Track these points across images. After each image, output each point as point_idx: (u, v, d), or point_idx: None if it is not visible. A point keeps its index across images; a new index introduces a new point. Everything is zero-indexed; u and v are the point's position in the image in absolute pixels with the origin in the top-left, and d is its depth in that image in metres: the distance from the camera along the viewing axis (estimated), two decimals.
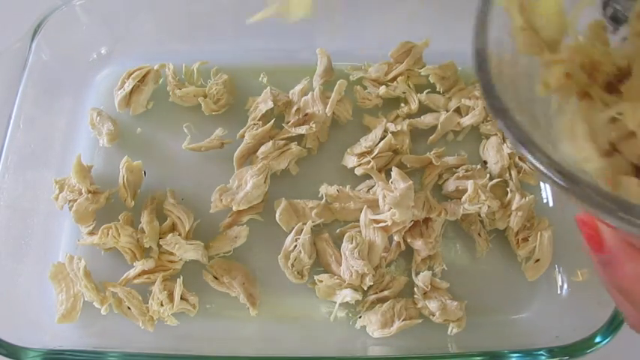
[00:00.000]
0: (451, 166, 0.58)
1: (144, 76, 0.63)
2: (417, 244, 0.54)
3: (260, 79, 0.64)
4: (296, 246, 0.54)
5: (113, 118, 0.61)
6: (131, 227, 0.55)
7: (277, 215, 0.55)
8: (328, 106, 0.59)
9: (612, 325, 0.47)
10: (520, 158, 0.58)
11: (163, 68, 0.64)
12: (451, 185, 0.57)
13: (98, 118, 0.61)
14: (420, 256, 0.54)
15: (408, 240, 0.54)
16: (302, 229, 0.54)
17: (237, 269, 0.54)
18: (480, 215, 0.56)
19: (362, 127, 0.62)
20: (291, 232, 0.55)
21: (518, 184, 0.57)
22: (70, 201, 0.55)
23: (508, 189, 0.56)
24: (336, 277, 0.53)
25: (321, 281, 0.53)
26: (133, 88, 0.62)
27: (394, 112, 0.62)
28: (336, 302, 0.52)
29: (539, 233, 0.55)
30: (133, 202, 0.56)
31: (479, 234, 0.55)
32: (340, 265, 0.53)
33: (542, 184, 0.59)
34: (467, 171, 0.57)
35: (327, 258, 0.54)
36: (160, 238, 0.54)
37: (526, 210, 0.55)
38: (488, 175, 0.57)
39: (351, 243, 0.53)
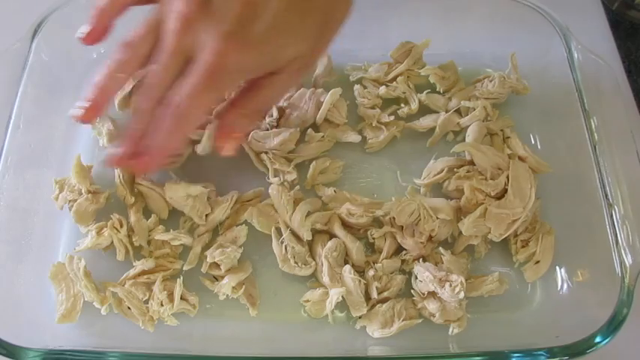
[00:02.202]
0: (452, 166, 0.58)
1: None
2: (408, 244, 0.54)
3: None
4: (286, 247, 0.54)
5: (113, 118, 0.61)
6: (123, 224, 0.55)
7: (255, 224, 0.55)
8: (319, 115, 0.60)
9: (612, 325, 0.47)
10: (520, 157, 0.58)
11: None
12: (451, 185, 0.57)
13: (98, 117, 0.61)
14: (412, 255, 0.54)
15: (399, 239, 0.54)
16: (279, 229, 0.54)
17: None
18: None
19: (358, 126, 0.62)
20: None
21: None
22: (70, 201, 0.55)
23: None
24: (319, 289, 0.53)
25: (308, 301, 0.53)
26: (133, 88, 0.61)
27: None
28: (333, 310, 0.52)
29: (540, 237, 0.54)
30: (133, 198, 0.56)
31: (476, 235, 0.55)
32: (317, 273, 0.53)
33: (542, 184, 0.59)
34: (468, 172, 0.57)
35: (316, 258, 0.54)
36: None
37: (530, 215, 0.55)
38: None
39: (335, 250, 0.53)
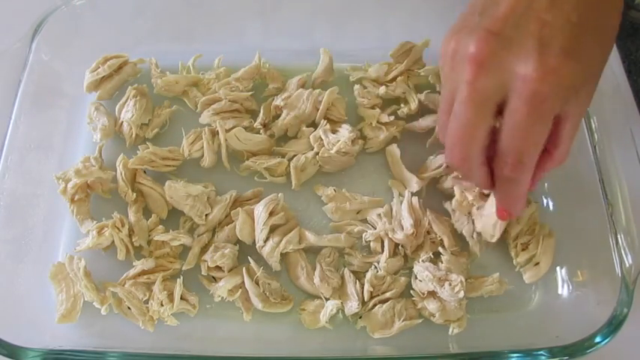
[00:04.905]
0: None
1: (120, 67, 0.63)
2: (399, 238, 0.54)
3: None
4: (262, 284, 0.53)
5: (111, 113, 0.61)
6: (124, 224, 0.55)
7: (237, 230, 0.54)
8: (318, 115, 0.60)
9: (612, 325, 0.47)
10: None
11: (142, 63, 0.64)
12: (447, 182, 0.57)
13: (95, 112, 0.61)
14: (407, 250, 0.54)
15: (390, 235, 0.54)
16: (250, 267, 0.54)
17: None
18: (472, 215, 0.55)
19: (358, 126, 0.62)
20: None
21: None
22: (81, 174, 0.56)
23: None
24: (316, 300, 0.53)
25: (304, 309, 0.53)
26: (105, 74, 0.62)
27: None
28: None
29: (540, 239, 0.54)
30: (134, 194, 0.56)
31: (472, 236, 0.55)
32: (309, 281, 0.53)
33: (542, 184, 0.59)
34: None
35: (298, 270, 0.54)
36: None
37: (526, 218, 0.55)
38: None
39: (329, 257, 0.54)
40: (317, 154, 0.58)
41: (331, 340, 0.52)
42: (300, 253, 0.54)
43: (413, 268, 0.54)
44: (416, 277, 0.53)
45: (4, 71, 0.58)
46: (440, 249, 0.54)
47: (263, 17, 0.67)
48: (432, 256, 0.54)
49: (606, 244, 0.51)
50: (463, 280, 0.50)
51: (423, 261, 0.53)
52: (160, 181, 0.57)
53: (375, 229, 0.55)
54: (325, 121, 0.60)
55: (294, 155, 0.58)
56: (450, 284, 0.50)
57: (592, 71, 0.41)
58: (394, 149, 0.59)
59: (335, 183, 0.59)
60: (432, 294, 0.52)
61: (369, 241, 0.55)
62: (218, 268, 0.53)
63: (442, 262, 0.53)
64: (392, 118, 0.60)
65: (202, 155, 0.59)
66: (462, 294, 0.50)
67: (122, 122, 0.61)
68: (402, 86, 0.62)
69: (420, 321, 0.52)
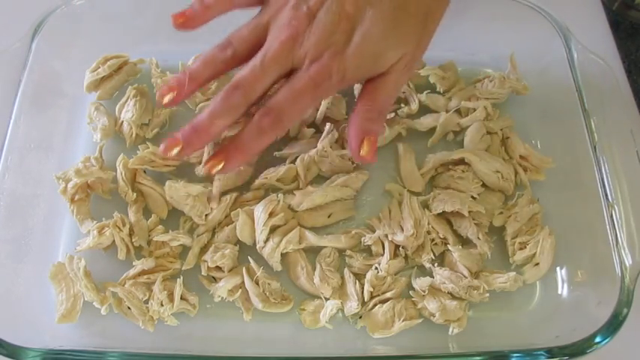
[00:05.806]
0: (449, 162, 0.58)
1: (120, 67, 0.63)
2: (399, 240, 0.54)
3: None
4: (262, 284, 0.53)
5: (111, 113, 0.61)
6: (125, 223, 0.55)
7: (238, 232, 0.54)
8: (317, 115, 0.60)
9: (612, 325, 0.47)
10: (522, 156, 0.58)
11: (142, 63, 0.64)
12: (444, 180, 0.58)
13: (95, 112, 0.61)
14: (407, 250, 0.54)
15: (389, 237, 0.54)
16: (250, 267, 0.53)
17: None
18: (474, 219, 0.55)
19: None
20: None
21: (527, 185, 0.57)
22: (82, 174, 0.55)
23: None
24: (316, 300, 0.53)
25: (304, 309, 0.53)
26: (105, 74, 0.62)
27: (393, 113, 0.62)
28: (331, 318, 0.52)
29: (540, 239, 0.54)
30: (134, 194, 0.56)
31: (478, 237, 0.54)
32: (309, 281, 0.53)
33: (542, 184, 0.59)
34: (463, 172, 0.57)
35: (298, 270, 0.54)
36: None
37: (526, 217, 0.55)
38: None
39: (329, 257, 0.54)
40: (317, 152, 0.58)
41: (331, 340, 0.52)
42: (300, 253, 0.54)
43: (414, 268, 0.54)
44: (417, 278, 0.53)
45: (4, 71, 0.58)
46: (449, 247, 0.54)
47: None
48: (434, 257, 0.54)
49: (606, 244, 0.51)
50: (485, 286, 0.51)
51: (437, 266, 0.53)
52: (160, 181, 0.57)
53: (374, 232, 0.55)
54: (332, 126, 0.59)
55: (297, 157, 0.58)
56: (476, 290, 0.52)
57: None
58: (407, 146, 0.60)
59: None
60: (432, 293, 0.52)
61: (368, 245, 0.55)
62: (218, 268, 0.53)
63: (454, 260, 0.53)
64: (392, 115, 0.61)
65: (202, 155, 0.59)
66: (486, 295, 0.51)
67: (122, 122, 0.61)
68: (403, 86, 0.62)
69: (420, 321, 0.52)
